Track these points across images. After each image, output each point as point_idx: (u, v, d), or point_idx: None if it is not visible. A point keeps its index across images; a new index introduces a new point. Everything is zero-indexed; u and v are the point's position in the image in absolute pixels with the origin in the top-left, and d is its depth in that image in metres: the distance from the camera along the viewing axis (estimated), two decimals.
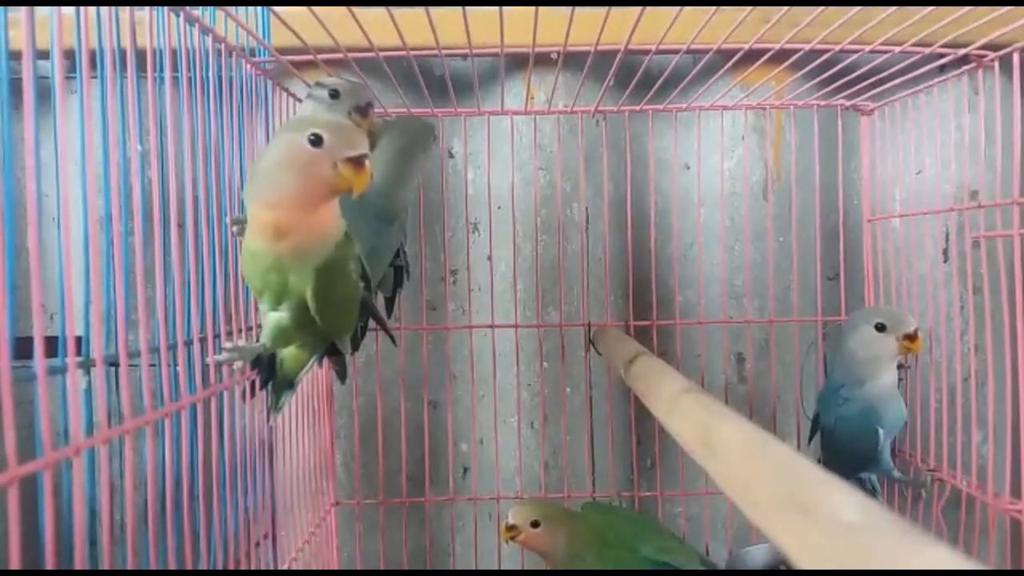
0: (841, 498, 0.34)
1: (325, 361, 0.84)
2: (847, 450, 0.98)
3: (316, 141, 0.61)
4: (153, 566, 0.57)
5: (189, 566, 0.63)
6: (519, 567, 1.16)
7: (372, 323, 0.90)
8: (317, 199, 0.65)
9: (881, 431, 0.95)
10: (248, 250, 0.68)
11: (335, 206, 0.68)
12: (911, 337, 0.94)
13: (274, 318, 0.71)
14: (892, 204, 1.14)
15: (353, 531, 1.15)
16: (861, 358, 0.96)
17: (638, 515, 1.11)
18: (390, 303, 1.00)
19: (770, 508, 0.38)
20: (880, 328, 0.94)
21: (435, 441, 1.19)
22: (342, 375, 0.85)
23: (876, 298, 1.14)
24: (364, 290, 0.79)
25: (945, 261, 1.13)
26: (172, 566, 0.62)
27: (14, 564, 0.41)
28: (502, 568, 1.17)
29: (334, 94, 0.86)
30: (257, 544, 0.82)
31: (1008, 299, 0.88)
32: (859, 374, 0.97)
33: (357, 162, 0.62)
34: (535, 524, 0.94)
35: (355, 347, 0.87)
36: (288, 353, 0.77)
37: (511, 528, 0.94)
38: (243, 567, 0.77)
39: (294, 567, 0.92)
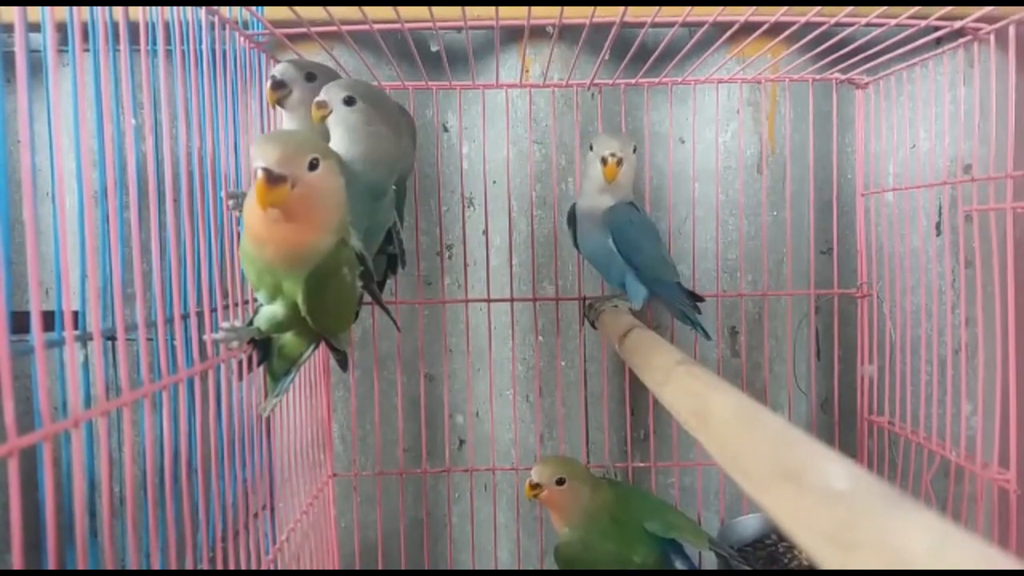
0: (831, 467, 0.35)
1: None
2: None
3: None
4: (152, 537, 0.58)
5: (188, 537, 0.64)
6: (515, 538, 1.17)
7: (367, 298, 0.90)
8: (265, 211, 0.62)
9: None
10: (243, 249, 0.68)
11: (322, 217, 0.66)
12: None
13: (269, 310, 0.71)
14: (886, 178, 1.15)
15: (350, 502, 1.16)
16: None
17: (647, 493, 1.12)
18: (380, 287, 1.00)
19: (761, 478, 0.39)
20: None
21: (431, 414, 1.20)
22: (343, 364, 0.85)
23: (869, 272, 1.15)
24: (363, 285, 0.80)
25: (938, 235, 1.14)
26: (171, 537, 0.63)
27: (15, 535, 0.42)
28: (498, 537, 1.19)
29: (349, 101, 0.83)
30: (255, 515, 0.83)
31: (999, 273, 0.89)
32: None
33: (256, 174, 0.60)
34: (560, 482, 0.93)
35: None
36: (288, 338, 0.77)
37: (535, 487, 0.93)
38: (241, 538, 0.78)
39: (292, 538, 0.93)
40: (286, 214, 0.62)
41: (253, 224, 0.64)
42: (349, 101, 0.80)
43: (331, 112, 0.80)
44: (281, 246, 0.65)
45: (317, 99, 0.80)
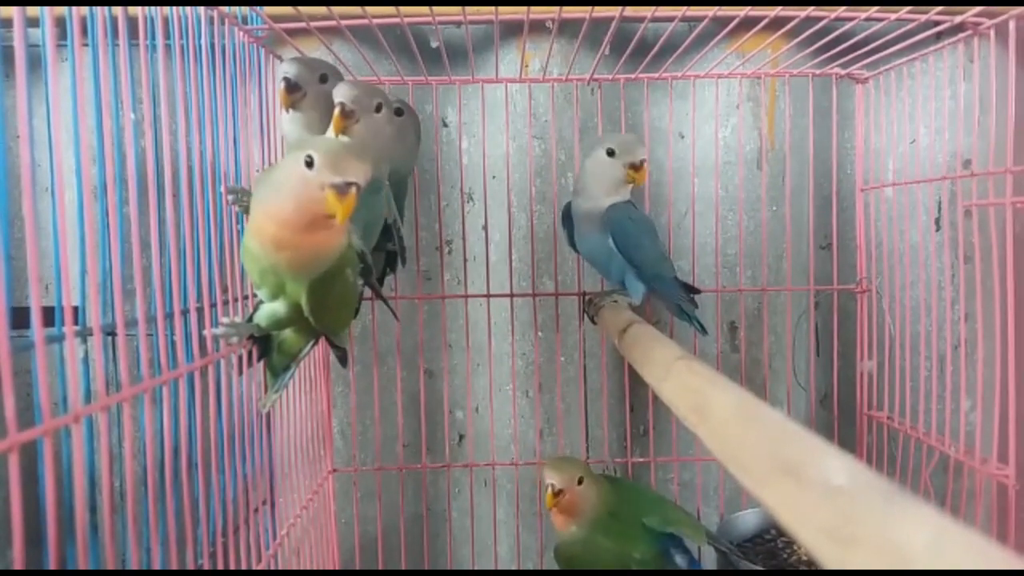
0: (831, 462, 0.35)
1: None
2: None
3: (309, 163, 0.61)
4: (153, 532, 0.58)
5: (188, 532, 0.64)
6: (515, 533, 1.17)
7: (368, 292, 0.91)
8: (311, 220, 0.63)
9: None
10: (248, 248, 0.68)
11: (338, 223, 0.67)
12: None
13: (270, 307, 0.71)
14: (885, 173, 1.15)
15: (350, 497, 1.16)
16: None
17: (645, 488, 1.12)
18: (379, 283, 1.00)
19: (760, 472, 0.39)
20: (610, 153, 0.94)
21: (431, 409, 1.20)
22: (343, 360, 0.85)
23: (868, 267, 1.15)
24: (364, 280, 0.80)
25: (937, 230, 1.14)
26: (172, 532, 0.63)
27: (15, 530, 0.42)
28: (498, 532, 1.19)
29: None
30: (255, 510, 0.83)
31: (999, 268, 0.89)
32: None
33: (342, 189, 0.60)
34: (580, 481, 0.91)
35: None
36: (287, 334, 0.78)
37: (558, 493, 0.89)
38: (242, 533, 0.78)
39: (292, 533, 0.93)
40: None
41: (277, 230, 0.64)
42: (379, 108, 0.82)
43: (358, 121, 0.80)
44: (300, 251, 0.65)
45: (344, 108, 0.79)
